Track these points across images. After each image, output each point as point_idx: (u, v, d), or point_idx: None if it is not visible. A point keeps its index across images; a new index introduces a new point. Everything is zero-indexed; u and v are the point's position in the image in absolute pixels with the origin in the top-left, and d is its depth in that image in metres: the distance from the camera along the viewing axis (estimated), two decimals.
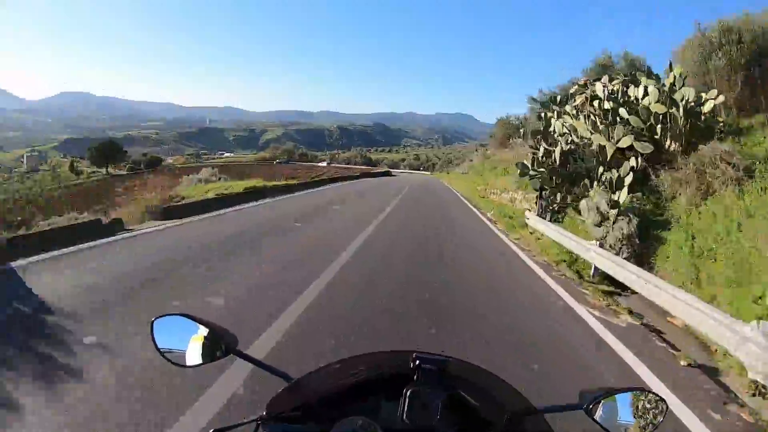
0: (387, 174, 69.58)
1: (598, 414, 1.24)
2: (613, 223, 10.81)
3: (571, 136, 16.15)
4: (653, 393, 1.29)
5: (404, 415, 1.22)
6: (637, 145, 12.15)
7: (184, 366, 1.37)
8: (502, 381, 1.40)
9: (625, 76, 16.27)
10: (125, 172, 75.16)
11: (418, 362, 1.27)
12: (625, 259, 8.98)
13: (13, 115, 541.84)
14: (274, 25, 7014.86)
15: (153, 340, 1.37)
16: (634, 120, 12.65)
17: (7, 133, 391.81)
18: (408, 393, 1.23)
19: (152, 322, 1.39)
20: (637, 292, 7.76)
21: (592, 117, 14.86)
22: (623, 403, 1.27)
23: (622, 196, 11.16)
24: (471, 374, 1.41)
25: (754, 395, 4.87)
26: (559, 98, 20.70)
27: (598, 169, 13.28)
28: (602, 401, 1.24)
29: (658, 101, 12.19)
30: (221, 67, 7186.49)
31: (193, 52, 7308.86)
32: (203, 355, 1.36)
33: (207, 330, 1.36)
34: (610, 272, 8.66)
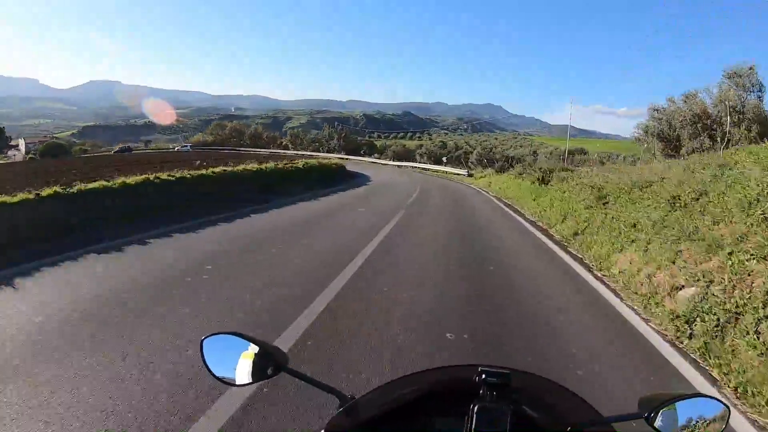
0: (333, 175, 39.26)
1: (658, 422, 1.22)
2: None
3: None
4: (716, 399, 1.27)
5: (472, 431, 1.16)
6: None
7: (234, 385, 1.36)
8: (567, 391, 1.34)
9: None
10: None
11: (483, 376, 1.21)
12: None
13: (43, 103, 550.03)
14: (305, 15, 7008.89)
15: (203, 358, 1.36)
16: None
17: (33, 120, 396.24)
18: (476, 408, 1.16)
19: (202, 341, 1.38)
20: None
21: None
22: (684, 410, 1.24)
23: None
24: (535, 385, 1.37)
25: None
26: None
27: None
28: (663, 409, 1.22)
29: None
30: (251, 56, 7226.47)
31: (223, 41, 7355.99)
32: (253, 373, 1.35)
33: (257, 348, 1.35)
34: None
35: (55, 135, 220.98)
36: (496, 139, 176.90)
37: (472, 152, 64.32)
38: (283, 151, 73.09)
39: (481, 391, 1.19)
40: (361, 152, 72.11)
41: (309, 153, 68.01)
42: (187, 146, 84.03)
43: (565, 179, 18.01)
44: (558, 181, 18.51)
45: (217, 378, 1.36)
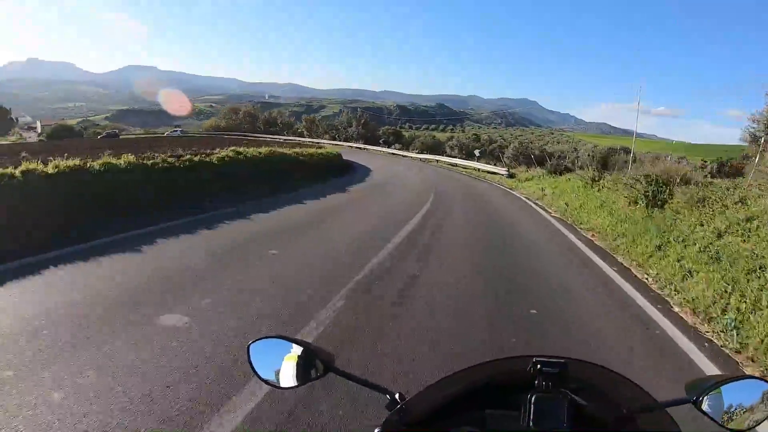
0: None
1: (705, 405, 1.22)
2: None
3: None
4: (763, 380, 1.25)
5: (530, 422, 1.16)
6: None
7: (281, 388, 1.40)
8: (621, 377, 1.29)
9: None
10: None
11: (538, 366, 1.21)
12: None
13: (79, 87, 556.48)
14: (341, 5, 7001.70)
15: (250, 363, 1.38)
16: None
17: (68, 103, 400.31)
18: (533, 399, 1.17)
19: (248, 346, 1.39)
20: None
21: None
22: (731, 392, 1.23)
23: None
24: (589, 372, 1.32)
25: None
26: None
27: None
28: (710, 393, 1.23)
29: None
30: (287, 44, 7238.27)
31: (259, 29, 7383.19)
32: (300, 375, 1.37)
33: (302, 350, 1.37)
34: None
35: (88, 117, 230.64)
36: (532, 133, 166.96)
37: (507, 146, 56.54)
38: (298, 138, 65.93)
39: (536, 382, 1.19)
40: (381, 141, 63.31)
41: (315, 141, 60.96)
42: (177, 131, 79.72)
43: (702, 200, 9.43)
44: (686, 204, 9.95)
45: (265, 381, 1.37)
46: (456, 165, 42.62)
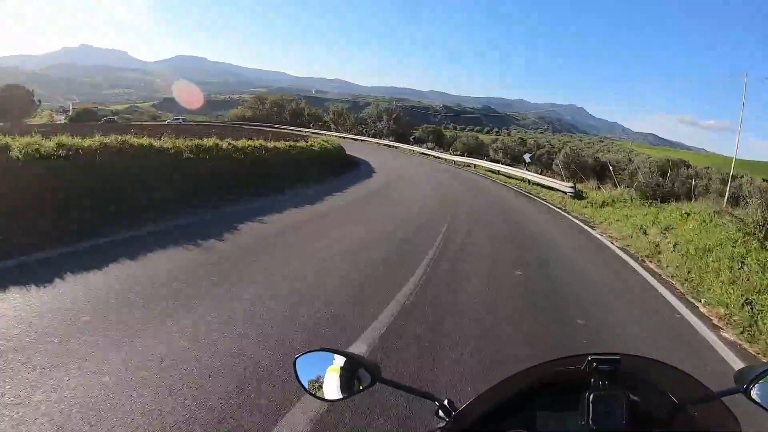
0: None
1: (755, 394, 1.25)
2: None
3: None
4: None
5: (590, 422, 1.17)
6: None
7: (327, 400, 1.41)
8: (675, 369, 1.30)
9: None
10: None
11: (594, 364, 1.21)
12: None
13: (130, 74, 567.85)
14: (391, 4, 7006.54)
15: (296, 376, 1.39)
16: None
17: (117, 89, 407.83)
18: (591, 398, 1.18)
19: (295, 360, 1.40)
20: None
21: None
22: None
23: None
24: (643, 367, 1.32)
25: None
26: None
27: None
28: (759, 381, 1.25)
29: None
30: (335, 40, 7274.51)
31: (309, 24, 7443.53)
32: (345, 387, 1.37)
33: (345, 360, 1.37)
34: None
35: (136, 104, 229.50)
36: (580, 140, 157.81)
37: (557, 152, 47.45)
38: (325, 132, 58.66)
39: (592, 380, 1.20)
40: (411, 139, 54.92)
41: (338, 135, 54.76)
42: (179, 119, 78.65)
43: None
44: None
45: (312, 394, 1.37)
46: (497, 172, 32.98)
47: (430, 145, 51.78)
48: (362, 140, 56.49)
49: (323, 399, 1.39)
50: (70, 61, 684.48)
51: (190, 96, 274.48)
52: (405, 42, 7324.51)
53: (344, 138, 57.01)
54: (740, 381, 1.25)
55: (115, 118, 76.25)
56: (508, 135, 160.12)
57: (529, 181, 27.61)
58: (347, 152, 29.84)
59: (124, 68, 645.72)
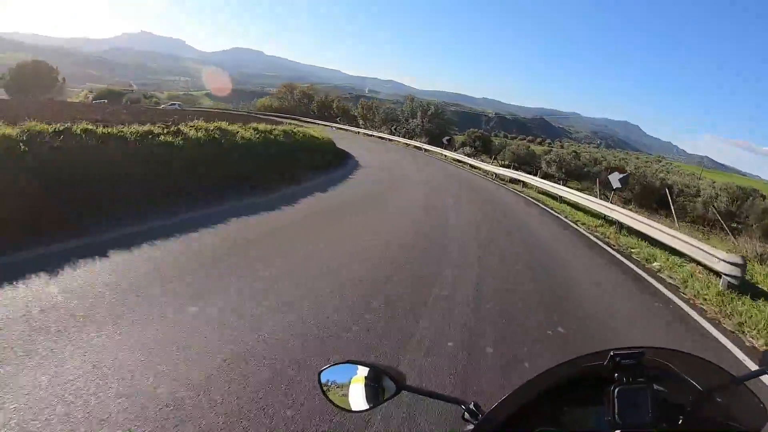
0: None
1: None
2: None
3: None
4: None
5: (615, 416, 1.17)
6: None
7: (354, 411, 1.39)
8: (698, 358, 1.32)
9: None
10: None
11: (617, 359, 1.20)
12: None
13: (186, 63, 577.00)
14: (446, 8, 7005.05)
15: (321, 389, 1.39)
16: None
17: (173, 77, 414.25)
18: (616, 392, 1.18)
19: (319, 373, 1.40)
20: None
21: None
22: None
23: None
24: (666, 358, 1.33)
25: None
26: None
27: None
28: None
29: None
30: (391, 42, 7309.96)
31: (365, 25, 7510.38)
32: (371, 397, 1.36)
33: (373, 372, 1.37)
34: None
35: (190, 92, 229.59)
36: (637, 158, 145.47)
37: (613, 171, 35.55)
38: (353, 128, 53.10)
39: (616, 375, 1.19)
40: (444, 140, 43.81)
41: (364, 131, 50.19)
42: (175, 104, 72.73)
43: None
44: None
45: (337, 406, 1.36)
46: (559, 199, 20.61)
47: (468, 150, 41.63)
48: (388, 138, 47.52)
49: (349, 410, 1.35)
50: (129, 46, 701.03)
51: (218, 84, 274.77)
52: (461, 48, 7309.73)
53: (370, 136, 50.38)
54: (766, 362, 1.25)
55: (106, 101, 69.30)
56: (562, 147, 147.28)
57: (620, 225, 14.49)
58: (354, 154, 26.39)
59: (182, 57, 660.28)
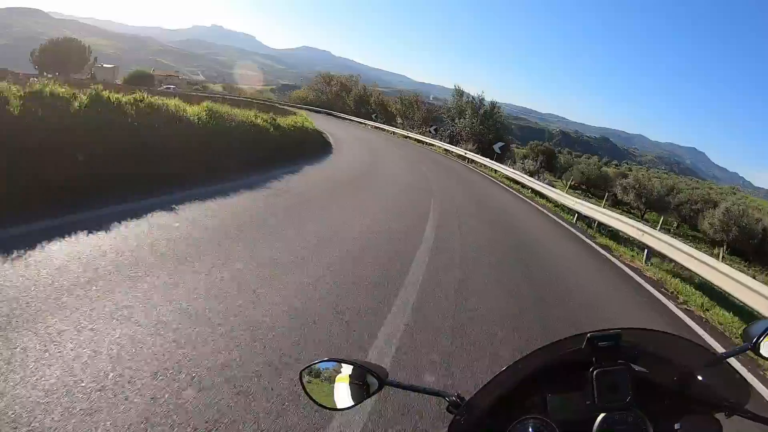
0: None
1: (764, 348, 1.24)
2: None
3: None
4: None
5: (596, 399, 1.16)
6: None
7: (338, 409, 1.36)
8: (678, 337, 1.30)
9: None
10: None
11: (594, 342, 1.19)
12: None
13: (255, 58, 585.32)
14: (517, 23, 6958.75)
15: (303, 389, 1.34)
16: None
17: (241, 70, 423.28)
18: (595, 374, 1.17)
19: (300, 372, 1.34)
20: None
21: None
22: None
23: None
24: (644, 339, 1.30)
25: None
26: None
27: None
28: (765, 338, 1.24)
29: None
30: (458, 52, 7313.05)
31: (434, 33, 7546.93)
32: (355, 394, 1.32)
33: (354, 368, 1.33)
34: None
35: (254, 87, 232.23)
36: (711, 188, 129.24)
37: (701, 205, 36.71)
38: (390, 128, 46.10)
39: (594, 358, 1.18)
40: (496, 148, 31.11)
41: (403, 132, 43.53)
42: (171, 87, 70.13)
43: None
44: None
45: (321, 405, 1.33)
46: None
47: (529, 165, 29.71)
48: (427, 143, 37.25)
49: (332, 408, 1.32)
50: (200, 38, 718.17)
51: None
52: (529, 62, 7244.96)
53: (407, 137, 41.35)
54: (748, 338, 1.23)
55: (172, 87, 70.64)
56: (630, 170, 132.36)
57: None
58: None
59: (252, 52, 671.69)
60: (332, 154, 19.82)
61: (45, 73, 52.49)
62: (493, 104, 41.05)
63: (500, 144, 31.41)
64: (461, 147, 33.67)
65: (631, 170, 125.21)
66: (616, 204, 36.57)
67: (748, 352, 1.25)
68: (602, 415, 1.13)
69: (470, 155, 30.23)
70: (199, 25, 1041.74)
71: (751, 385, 1.53)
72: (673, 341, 1.27)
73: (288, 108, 40.39)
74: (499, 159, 29.43)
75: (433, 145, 36.63)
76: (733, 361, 1.20)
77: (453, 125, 40.47)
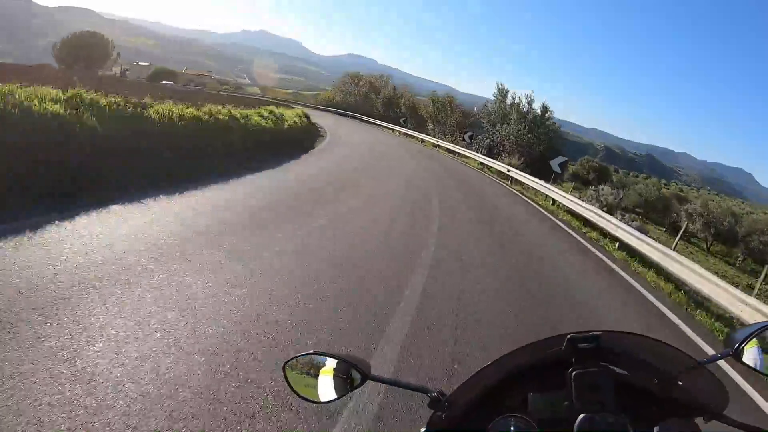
0: None
1: (746, 356, 1.21)
2: None
3: None
4: None
5: (574, 400, 1.13)
6: None
7: (321, 402, 1.33)
8: (659, 342, 1.24)
9: None
10: None
11: (574, 343, 1.18)
12: None
13: (301, 63, 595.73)
14: (570, 37, 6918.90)
15: (287, 381, 1.31)
16: None
17: (286, 75, 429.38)
18: (573, 375, 1.14)
19: (284, 365, 1.32)
20: None
21: None
22: None
23: None
24: (625, 342, 1.27)
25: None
26: None
27: None
28: (747, 343, 1.21)
29: None
30: (500, 63, 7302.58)
31: (480, 45, 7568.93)
32: (339, 387, 1.30)
33: (338, 362, 1.31)
34: None
35: (299, 92, 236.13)
36: (765, 213, 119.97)
37: None
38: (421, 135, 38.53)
39: (574, 359, 1.17)
40: (555, 169, 21.65)
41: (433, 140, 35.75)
42: (170, 83, 65.08)
43: None
44: None
45: (304, 398, 1.30)
46: None
47: (608, 194, 20.73)
48: (458, 153, 29.75)
49: (316, 402, 1.30)
50: (246, 42, 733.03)
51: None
52: (576, 76, 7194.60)
53: (437, 147, 33.93)
54: (730, 344, 1.20)
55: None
56: (681, 191, 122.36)
57: None
58: None
59: (298, 57, 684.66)
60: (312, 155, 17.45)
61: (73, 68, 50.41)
62: (545, 108, 32.58)
63: (560, 159, 21.95)
64: (502, 161, 25.43)
65: (682, 191, 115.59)
66: (675, 232, 28.30)
67: (729, 358, 1.21)
68: (582, 416, 1.07)
69: (515, 173, 21.59)
70: (248, 30, 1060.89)
71: (728, 391, 1.10)
72: (654, 346, 1.22)
73: (292, 104, 41.10)
74: (555, 179, 20.53)
75: (467, 157, 28.64)
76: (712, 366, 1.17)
77: (493, 133, 32.28)
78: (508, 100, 33.94)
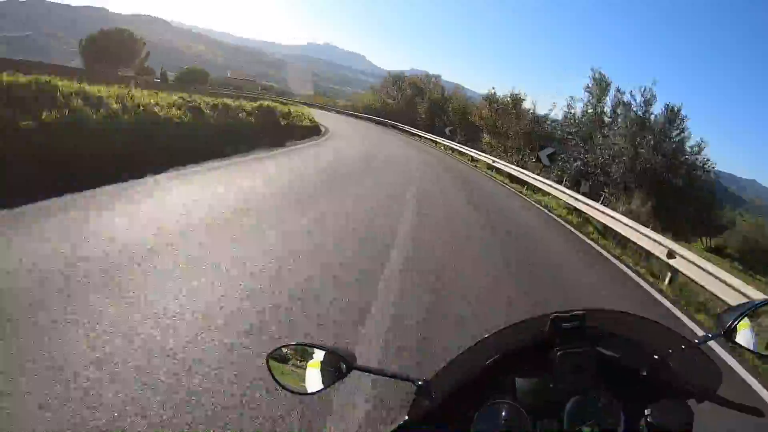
0: None
1: (738, 336, 1.21)
2: None
3: None
4: None
5: (561, 383, 1.11)
6: None
7: (307, 393, 1.31)
8: (647, 320, 1.24)
9: None
10: None
11: (557, 323, 1.15)
12: None
13: (363, 77, 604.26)
14: (594, 51, 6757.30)
15: (271, 373, 1.29)
16: None
17: (348, 87, 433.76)
18: (558, 355, 1.12)
19: (267, 357, 1.29)
20: None
21: None
22: (762, 317, 1.21)
23: None
24: (612, 321, 1.26)
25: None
26: None
27: None
28: (739, 323, 1.20)
29: None
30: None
31: (555, 61, 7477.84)
32: (325, 378, 1.28)
33: (323, 353, 1.29)
34: None
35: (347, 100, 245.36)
36: None
37: None
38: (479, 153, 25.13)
39: (558, 339, 1.14)
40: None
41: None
42: (231, 87, 76.37)
43: None
44: None
45: (289, 390, 1.27)
46: None
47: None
48: (530, 185, 17.34)
49: (300, 393, 1.27)
50: (312, 55, 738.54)
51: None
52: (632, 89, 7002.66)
53: (491, 168, 21.86)
54: (721, 324, 1.19)
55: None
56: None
57: None
58: None
59: (360, 71, 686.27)
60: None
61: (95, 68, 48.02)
62: (672, 110, 19.43)
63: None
64: (622, 212, 12.91)
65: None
66: None
67: (721, 338, 1.21)
68: (572, 399, 1.06)
69: (675, 247, 8.53)
70: (314, 43, 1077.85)
71: (721, 371, 1.09)
72: (644, 325, 1.21)
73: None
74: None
75: (545, 193, 15.73)
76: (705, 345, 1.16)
77: (586, 151, 19.85)
78: (608, 99, 21.53)
